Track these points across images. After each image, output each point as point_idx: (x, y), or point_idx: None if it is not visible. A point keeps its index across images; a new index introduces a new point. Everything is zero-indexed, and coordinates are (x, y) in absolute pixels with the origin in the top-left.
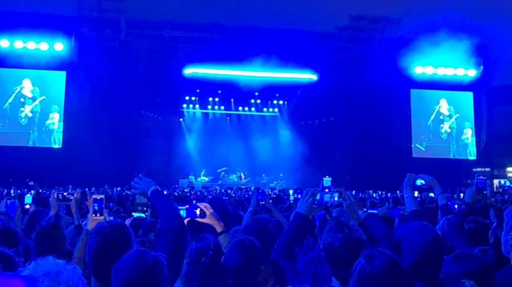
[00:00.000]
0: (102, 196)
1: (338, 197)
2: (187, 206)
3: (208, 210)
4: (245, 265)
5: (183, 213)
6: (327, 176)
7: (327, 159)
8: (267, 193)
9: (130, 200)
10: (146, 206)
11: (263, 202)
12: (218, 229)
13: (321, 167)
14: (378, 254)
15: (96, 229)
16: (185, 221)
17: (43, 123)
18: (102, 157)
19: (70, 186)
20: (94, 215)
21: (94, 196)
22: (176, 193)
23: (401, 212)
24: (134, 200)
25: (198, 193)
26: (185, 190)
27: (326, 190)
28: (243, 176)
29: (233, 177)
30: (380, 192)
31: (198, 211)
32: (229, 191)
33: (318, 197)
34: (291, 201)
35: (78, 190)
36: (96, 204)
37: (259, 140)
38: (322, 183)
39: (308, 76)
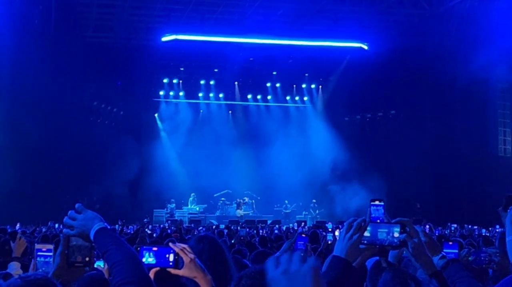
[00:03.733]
0: (51, 246)
1: (400, 233)
2: (155, 248)
3: (187, 256)
4: None
5: (150, 259)
6: (377, 201)
7: (387, 175)
8: (291, 229)
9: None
10: (88, 253)
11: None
12: (204, 285)
13: (377, 187)
14: None
15: None
16: (152, 272)
17: None
18: (31, 177)
19: None
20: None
21: (37, 246)
22: (148, 231)
23: (486, 259)
24: (68, 243)
25: (183, 230)
26: (164, 226)
27: (378, 221)
28: (245, 200)
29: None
30: (470, 227)
31: (171, 257)
32: (232, 228)
33: (368, 232)
34: (329, 242)
35: None
36: (41, 259)
37: (279, 146)
38: (369, 212)
39: (354, 45)
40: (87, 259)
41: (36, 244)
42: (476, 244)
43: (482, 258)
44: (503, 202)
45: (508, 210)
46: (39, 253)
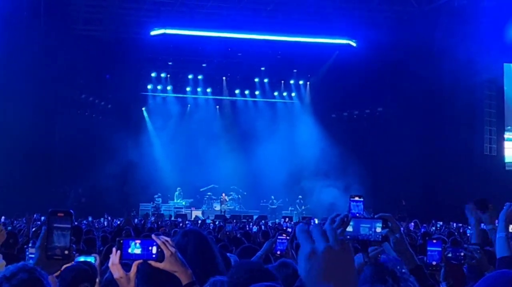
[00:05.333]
0: None
1: (382, 228)
2: (138, 240)
3: (168, 249)
4: None
5: (137, 250)
6: (356, 197)
7: (373, 172)
8: (277, 224)
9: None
10: (68, 249)
11: (280, 253)
12: (184, 279)
13: (363, 184)
14: None
15: None
16: (135, 264)
17: None
18: (17, 169)
19: None
20: None
21: (30, 250)
22: (135, 224)
23: (460, 254)
24: (48, 238)
25: (169, 223)
26: (150, 220)
27: (357, 215)
28: (225, 198)
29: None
30: (455, 225)
31: (154, 250)
32: (216, 222)
33: (351, 227)
34: None
35: None
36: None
37: (265, 141)
38: (349, 208)
39: (343, 41)
40: (66, 252)
41: (29, 248)
42: (460, 241)
43: (458, 255)
44: (479, 205)
45: (505, 206)
46: (30, 256)
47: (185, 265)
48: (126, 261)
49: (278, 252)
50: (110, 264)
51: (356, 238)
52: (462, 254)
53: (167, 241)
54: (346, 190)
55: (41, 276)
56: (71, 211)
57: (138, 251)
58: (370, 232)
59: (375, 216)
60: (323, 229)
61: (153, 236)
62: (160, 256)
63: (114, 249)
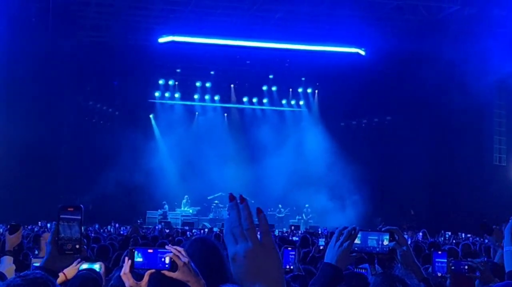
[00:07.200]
0: None
1: (390, 241)
2: (151, 250)
3: (180, 260)
4: None
5: (149, 258)
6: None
7: (381, 181)
8: (284, 234)
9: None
10: (78, 242)
11: (290, 267)
12: None
13: (372, 193)
14: None
15: None
16: (147, 274)
17: None
18: (24, 175)
19: None
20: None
21: (34, 260)
22: (142, 232)
23: (464, 267)
24: (58, 233)
25: (176, 232)
26: (158, 228)
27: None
28: None
29: None
30: (463, 236)
31: (167, 259)
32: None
33: (358, 239)
34: (321, 248)
35: None
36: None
37: (273, 149)
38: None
39: (351, 50)
40: (77, 246)
41: (32, 258)
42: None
43: (462, 267)
44: (485, 230)
45: (510, 219)
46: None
47: (198, 275)
48: (138, 271)
49: (287, 266)
50: (122, 273)
51: (364, 250)
52: (466, 267)
53: (180, 251)
54: (353, 198)
55: (53, 279)
56: (81, 205)
57: (150, 260)
58: (378, 244)
59: (383, 229)
60: (242, 230)
61: (166, 247)
62: (173, 266)
63: (126, 258)
